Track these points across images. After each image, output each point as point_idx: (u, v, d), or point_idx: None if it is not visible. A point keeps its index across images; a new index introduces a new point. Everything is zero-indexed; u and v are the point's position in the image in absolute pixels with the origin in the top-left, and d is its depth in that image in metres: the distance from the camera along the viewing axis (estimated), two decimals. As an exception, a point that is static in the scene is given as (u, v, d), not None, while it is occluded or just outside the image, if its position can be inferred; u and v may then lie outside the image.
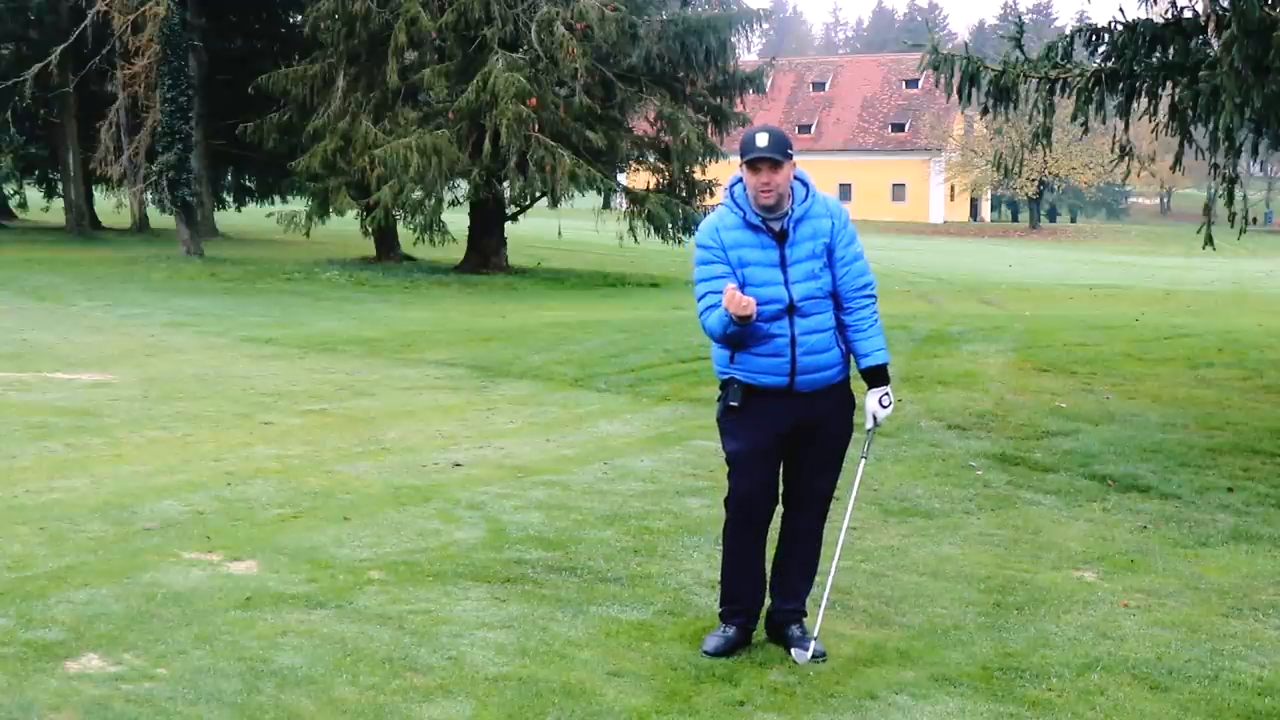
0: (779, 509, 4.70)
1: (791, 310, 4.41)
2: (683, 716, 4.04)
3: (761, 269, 4.41)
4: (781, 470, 4.63)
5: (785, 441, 4.53)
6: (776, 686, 4.29)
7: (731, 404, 4.53)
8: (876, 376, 4.57)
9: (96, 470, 7.27)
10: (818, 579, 4.78)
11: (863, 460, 4.78)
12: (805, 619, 4.68)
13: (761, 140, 4.36)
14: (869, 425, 4.63)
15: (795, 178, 4.44)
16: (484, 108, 23.17)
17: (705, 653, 4.55)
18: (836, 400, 4.57)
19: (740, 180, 4.49)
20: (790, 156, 4.38)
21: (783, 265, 4.41)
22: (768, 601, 4.72)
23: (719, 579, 4.79)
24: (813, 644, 4.54)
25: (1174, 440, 8.55)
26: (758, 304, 4.32)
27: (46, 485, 6.86)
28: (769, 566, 4.77)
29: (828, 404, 4.54)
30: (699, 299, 4.52)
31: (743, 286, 4.37)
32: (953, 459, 8.08)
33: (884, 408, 4.59)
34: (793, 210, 4.42)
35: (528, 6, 24.03)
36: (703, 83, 26.95)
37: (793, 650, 4.52)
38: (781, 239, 4.42)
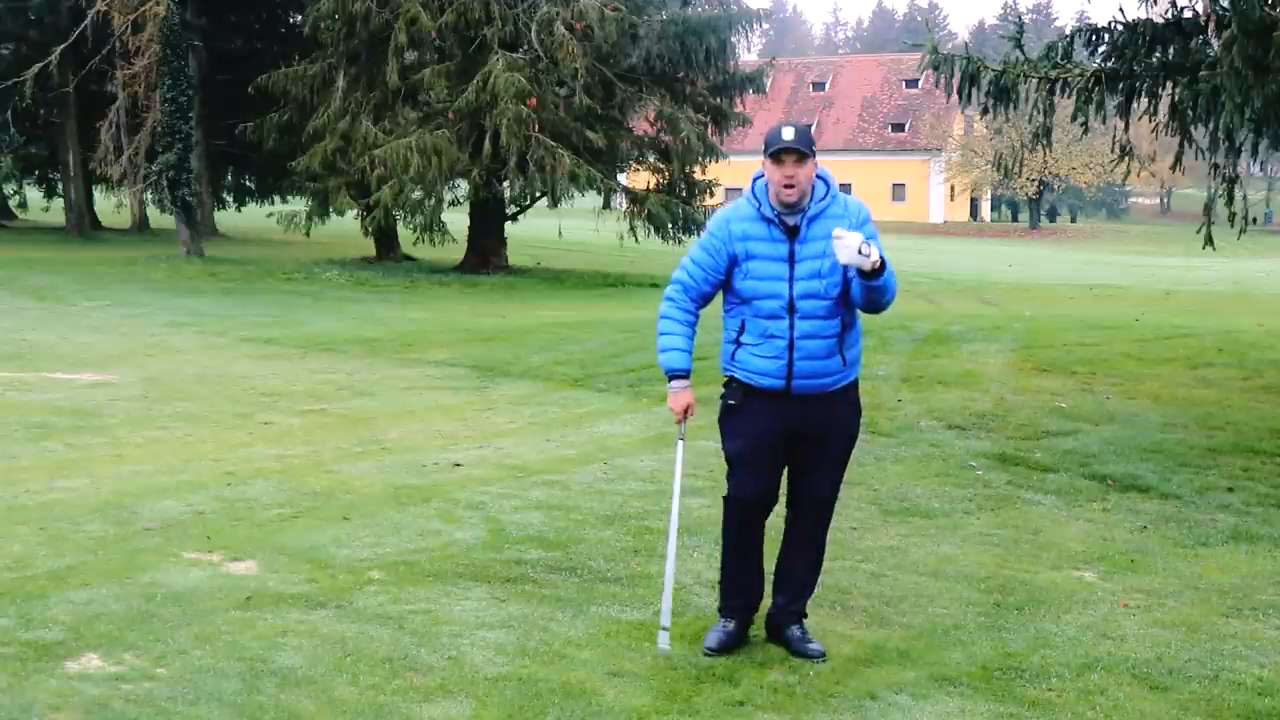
0: (782, 510, 4.70)
1: (791, 310, 4.38)
2: (683, 716, 4.04)
3: (767, 263, 4.39)
4: (785, 472, 4.64)
5: (784, 443, 4.52)
6: (776, 686, 4.28)
7: (730, 402, 4.54)
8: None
9: (96, 470, 7.27)
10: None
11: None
12: (806, 620, 4.68)
13: (788, 134, 4.35)
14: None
15: (817, 176, 4.42)
16: (484, 108, 23.17)
17: (707, 648, 4.56)
18: (839, 407, 4.54)
19: (762, 175, 4.46)
20: (814, 154, 4.37)
21: (790, 261, 4.38)
22: (768, 603, 4.72)
23: (719, 576, 4.81)
24: (814, 644, 4.55)
25: (1174, 440, 8.54)
26: (758, 299, 4.39)
27: (46, 485, 6.86)
28: (769, 564, 4.77)
29: (828, 410, 4.51)
30: (679, 270, 4.57)
31: (745, 278, 4.41)
32: (953, 459, 8.08)
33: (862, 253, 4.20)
34: (809, 208, 4.39)
35: (528, 6, 24.03)
36: (703, 83, 26.92)
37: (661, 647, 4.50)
38: (793, 235, 4.39)
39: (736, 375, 4.51)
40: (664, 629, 4.52)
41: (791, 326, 4.39)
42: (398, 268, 26.95)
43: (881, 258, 4.24)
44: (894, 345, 12.87)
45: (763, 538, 4.72)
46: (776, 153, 4.32)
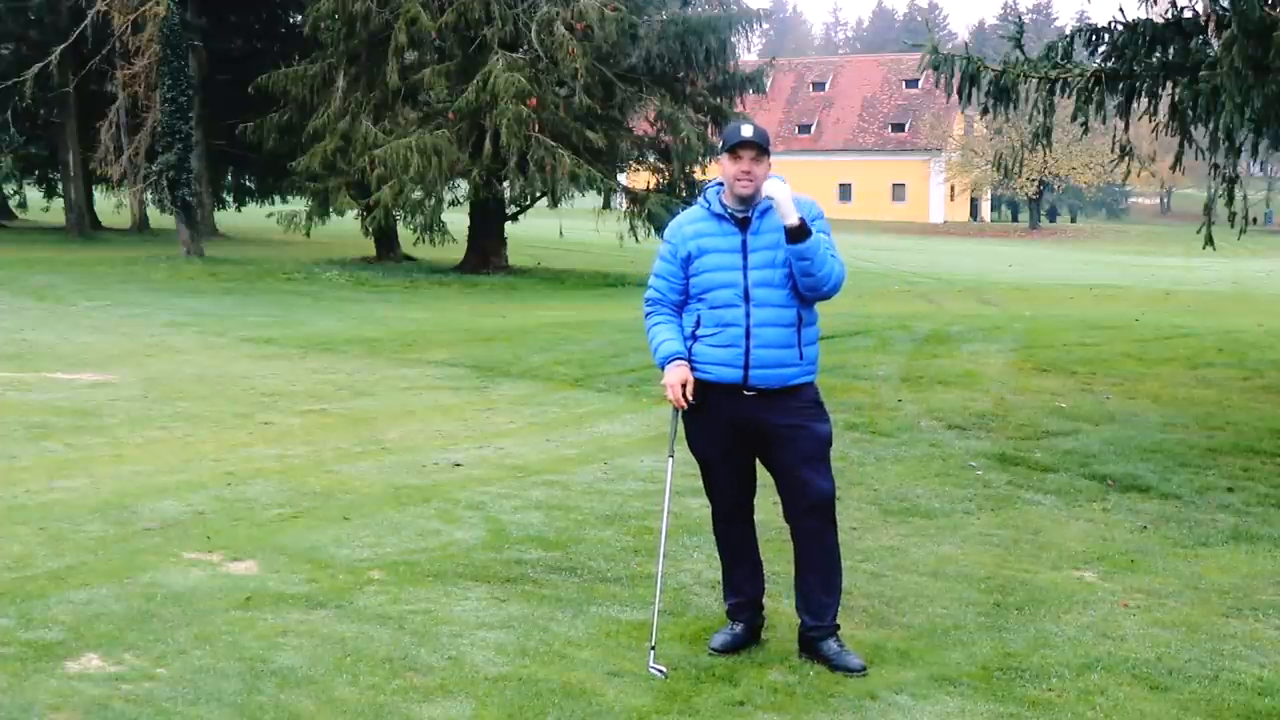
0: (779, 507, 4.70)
1: (747, 298, 4.43)
2: (683, 716, 4.04)
3: (720, 255, 4.47)
4: (774, 481, 4.61)
5: (750, 441, 4.54)
6: (776, 686, 4.28)
7: (691, 401, 4.55)
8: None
9: (96, 470, 7.27)
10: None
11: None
12: (839, 631, 4.56)
13: (746, 130, 4.45)
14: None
15: (771, 176, 4.50)
16: (484, 108, 23.18)
17: (712, 649, 4.56)
18: (800, 405, 4.50)
19: (715, 184, 4.59)
20: (769, 153, 4.49)
21: (744, 251, 4.46)
22: (798, 620, 4.62)
23: (720, 575, 4.84)
24: (853, 657, 4.46)
25: (1174, 440, 8.54)
26: (713, 289, 4.46)
27: (46, 485, 6.86)
28: (777, 567, 4.76)
29: (788, 405, 4.47)
30: (648, 288, 4.68)
31: (699, 273, 4.49)
32: (953, 459, 8.08)
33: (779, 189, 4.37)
34: (760, 202, 4.48)
35: (528, 6, 24.04)
36: (703, 83, 26.96)
37: (650, 667, 4.36)
38: (745, 226, 4.48)
39: (694, 374, 4.53)
40: (650, 648, 4.46)
41: (747, 315, 4.43)
42: (398, 268, 26.96)
43: (803, 222, 4.32)
44: (894, 345, 12.87)
45: (754, 534, 4.74)
46: (734, 147, 4.43)
